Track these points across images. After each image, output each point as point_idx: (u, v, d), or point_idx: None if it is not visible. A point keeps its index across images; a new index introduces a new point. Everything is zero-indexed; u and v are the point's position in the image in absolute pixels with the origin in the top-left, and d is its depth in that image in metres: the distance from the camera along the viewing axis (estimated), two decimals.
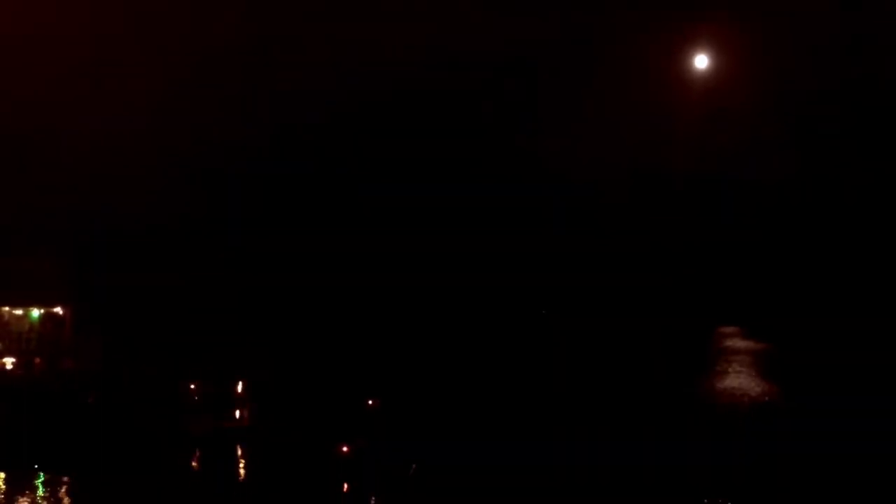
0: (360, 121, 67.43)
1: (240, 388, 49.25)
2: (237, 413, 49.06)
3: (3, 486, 38.70)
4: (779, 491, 37.49)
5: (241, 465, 44.79)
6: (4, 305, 53.56)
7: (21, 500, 36.53)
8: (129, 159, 62.65)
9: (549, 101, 71.42)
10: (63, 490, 38.32)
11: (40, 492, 38.09)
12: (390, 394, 51.42)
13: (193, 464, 44.17)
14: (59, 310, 54.56)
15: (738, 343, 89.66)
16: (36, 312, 54.12)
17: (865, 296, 77.29)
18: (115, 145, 62.65)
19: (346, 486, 39.48)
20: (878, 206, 73.20)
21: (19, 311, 53.96)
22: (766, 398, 62.04)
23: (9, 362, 51.43)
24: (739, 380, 69.61)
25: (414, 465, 40.88)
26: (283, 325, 56.47)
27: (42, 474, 40.24)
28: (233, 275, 63.68)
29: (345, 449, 42.99)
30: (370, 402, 49.73)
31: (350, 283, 67.36)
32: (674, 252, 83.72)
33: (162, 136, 64.78)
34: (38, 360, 51.28)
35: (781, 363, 77.07)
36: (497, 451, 43.99)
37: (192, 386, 49.85)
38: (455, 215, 75.47)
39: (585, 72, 69.12)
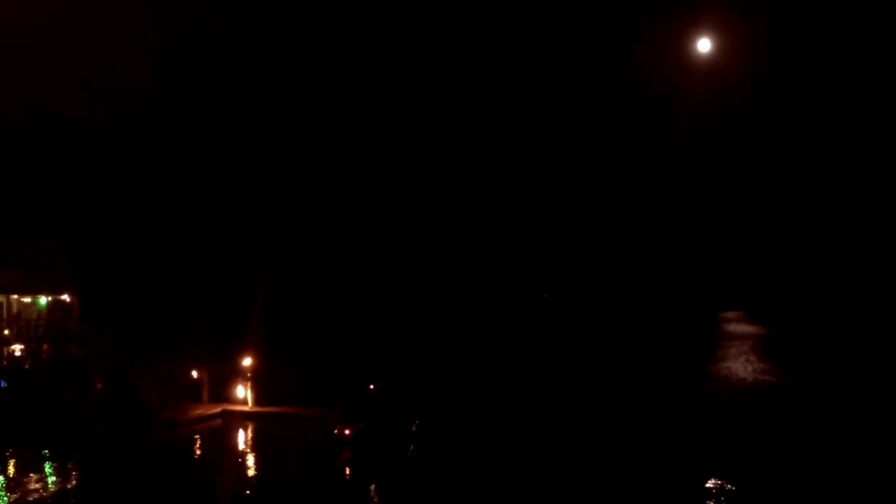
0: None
1: (243, 371, 49.63)
2: (241, 396, 49.51)
3: (13, 466, 39.42)
4: (780, 471, 37.76)
5: (244, 447, 45.31)
6: (13, 293, 53.97)
7: (29, 479, 37.29)
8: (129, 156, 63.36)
9: (548, 98, 71.76)
10: (68, 470, 39.03)
11: (47, 470, 38.86)
12: (391, 378, 51.77)
13: (197, 445, 44.71)
14: (66, 297, 54.98)
15: (741, 328, 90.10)
16: (44, 300, 54.55)
17: (864, 282, 77.50)
18: (116, 140, 63.31)
19: (346, 466, 39.93)
20: (877, 195, 73.36)
21: (27, 299, 54.40)
22: (767, 381, 62.32)
23: (17, 349, 51.87)
24: (740, 364, 69.94)
25: (412, 447, 41.38)
26: (285, 309, 56.83)
27: (48, 452, 40.98)
28: (236, 266, 64.31)
29: (346, 431, 43.40)
30: (371, 386, 50.08)
31: (351, 271, 67.93)
32: (678, 238, 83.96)
33: (165, 130, 65.48)
34: (45, 346, 51.64)
35: (782, 347, 77.45)
36: (495, 432, 44.50)
37: (198, 370, 50.34)
38: (459, 207, 75.95)
39: (587, 66, 69.45)
